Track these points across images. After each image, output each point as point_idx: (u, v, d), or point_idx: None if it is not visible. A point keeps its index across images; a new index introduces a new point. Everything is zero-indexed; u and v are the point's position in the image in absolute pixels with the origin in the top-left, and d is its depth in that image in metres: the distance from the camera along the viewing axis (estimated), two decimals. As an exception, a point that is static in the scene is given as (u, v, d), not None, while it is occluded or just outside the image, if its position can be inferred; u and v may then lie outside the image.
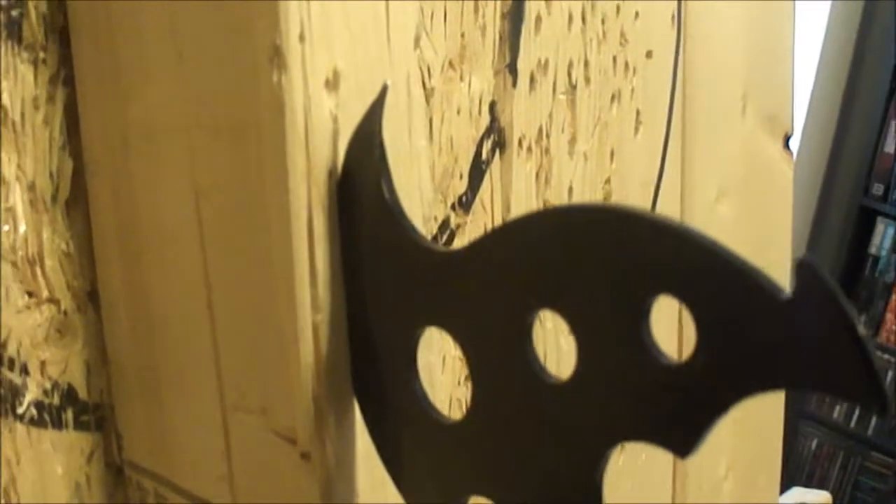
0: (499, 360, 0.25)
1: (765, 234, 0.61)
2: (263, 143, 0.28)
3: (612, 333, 0.22)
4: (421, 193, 0.32)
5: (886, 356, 1.95)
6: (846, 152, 1.97)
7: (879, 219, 1.96)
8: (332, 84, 0.29)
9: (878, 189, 1.94)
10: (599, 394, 0.23)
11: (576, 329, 0.23)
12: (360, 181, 0.28)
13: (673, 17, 0.50)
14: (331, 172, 0.29)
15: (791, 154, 0.64)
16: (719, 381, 0.21)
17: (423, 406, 0.28)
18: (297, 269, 0.29)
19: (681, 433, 0.22)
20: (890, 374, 1.95)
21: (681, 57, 0.53)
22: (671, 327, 0.50)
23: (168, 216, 0.33)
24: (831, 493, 1.85)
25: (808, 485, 0.85)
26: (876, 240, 1.97)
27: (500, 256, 0.25)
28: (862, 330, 0.18)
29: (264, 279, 0.30)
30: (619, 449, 0.48)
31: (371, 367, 0.29)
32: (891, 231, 1.95)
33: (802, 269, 0.19)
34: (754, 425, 0.64)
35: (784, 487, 0.81)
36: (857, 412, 1.99)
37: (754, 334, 0.20)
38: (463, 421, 0.27)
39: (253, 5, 0.27)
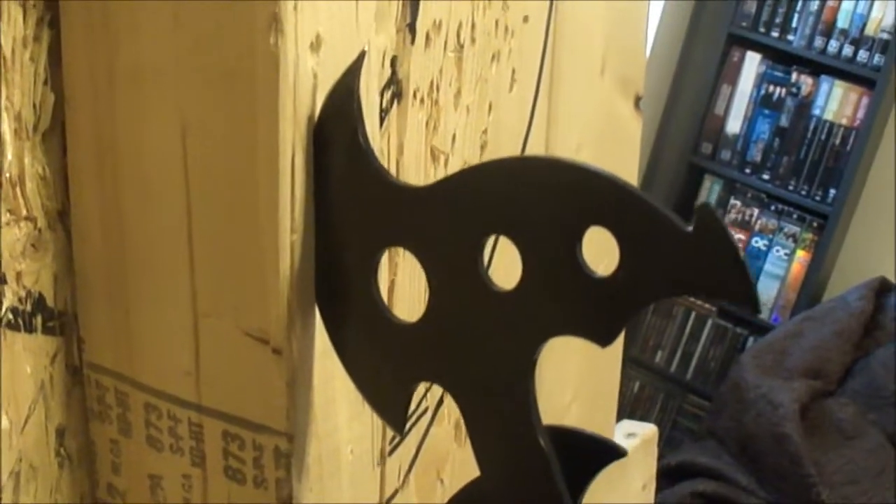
0: (454, 273, 0.32)
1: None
2: (257, 91, 0.34)
3: (552, 254, 0.30)
4: (375, 140, 0.39)
5: (707, 305, 2.09)
6: (679, 112, 2.10)
7: (707, 176, 2.10)
8: (315, 46, 0.35)
9: (706, 148, 2.07)
10: (540, 299, 0.30)
11: (522, 251, 0.30)
12: (336, 127, 0.35)
13: (548, -14, 0.56)
14: (310, 118, 0.35)
15: (640, 113, 0.71)
16: (635, 289, 0.29)
17: (381, 310, 0.35)
18: (281, 197, 0.35)
19: (603, 328, 0.29)
20: (711, 322, 2.09)
21: (552, 23, 0.59)
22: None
23: (152, 146, 0.38)
24: (650, 432, 1.99)
25: None
26: (703, 195, 2.10)
27: (460, 193, 0.32)
28: (742, 255, 0.26)
29: (246, 204, 0.36)
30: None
31: (335, 279, 0.36)
32: (717, 187, 2.09)
33: (702, 210, 0.27)
34: (596, 361, 0.72)
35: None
36: (676, 358, 2.13)
37: (663, 256, 0.28)
38: (418, 322, 0.34)
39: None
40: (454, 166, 0.52)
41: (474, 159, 0.53)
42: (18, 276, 0.41)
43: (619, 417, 0.96)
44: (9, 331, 0.41)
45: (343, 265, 0.36)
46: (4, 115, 0.39)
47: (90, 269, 0.42)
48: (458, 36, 0.51)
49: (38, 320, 0.42)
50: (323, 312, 0.37)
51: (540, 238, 0.30)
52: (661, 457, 1.56)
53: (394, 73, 0.47)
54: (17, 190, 0.40)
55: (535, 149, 0.61)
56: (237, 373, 0.38)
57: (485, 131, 0.55)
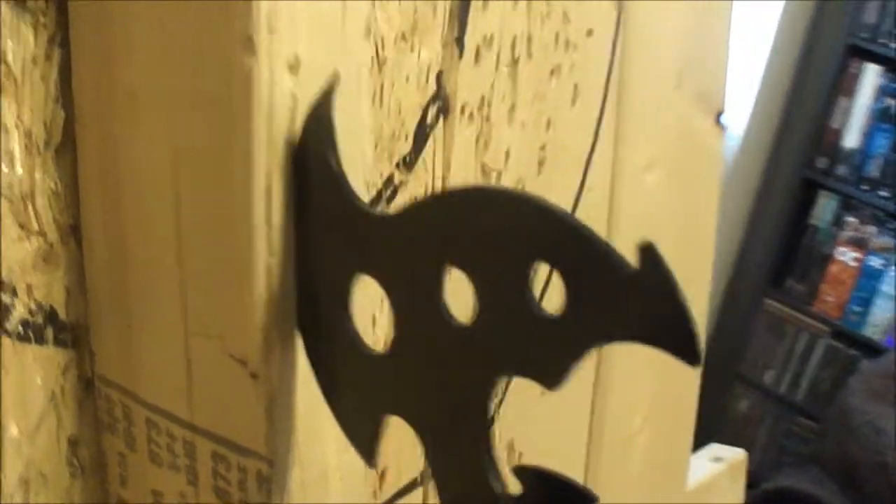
0: (416, 304, 0.31)
1: (692, 204, 0.66)
2: (233, 114, 0.34)
3: (502, 289, 0.28)
4: (364, 161, 0.38)
5: (820, 325, 2.04)
6: (794, 126, 2.04)
7: (822, 192, 2.03)
8: (294, 68, 0.34)
9: (822, 163, 2.01)
10: (491, 336, 0.29)
11: (475, 284, 0.29)
12: (314, 152, 0.34)
13: (614, -2, 0.55)
14: (289, 142, 0.35)
15: (722, 129, 0.68)
16: (581, 331, 0.27)
17: (354, 340, 0.34)
18: (255, 219, 0.34)
19: (550, 370, 0.28)
20: (823, 342, 2.03)
21: (620, 35, 0.57)
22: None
23: (146, 167, 0.38)
24: (758, 453, 1.93)
25: (734, 445, 0.91)
26: (817, 212, 2.04)
27: (420, 223, 0.31)
28: (683, 298, 0.25)
29: (228, 226, 0.36)
30: (505, 385, 0.53)
31: (313, 305, 0.36)
32: (832, 204, 2.03)
33: (644, 250, 0.25)
34: (671, 385, 0.70)
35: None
36: (786, 378, 2.07)
37: (607, 297, 0.26)
38: (385, 354, 0.33)
39: (229, 4, 0.33)
40: (507, 183, 0.51)
41: (531, 177, 0.52)
42: (29, 288, 0.42)
43: (724, 438, 0.93)
44: (19, 342, 0.42)
45: (320, 291, 0.35)
46: (15, 132, 0.40)
47: (98, 283, 0.42)
48: (513, 50, 0.50)
49: (50, 332, 0.43)
50: (304, 338, 0.36)
51: (491, 273, 0.29)
52: (762, 481, 1.51)
53: (440, 88, 0.47)
54: (29, 205, 0.41)
55: (601, 167, 0.59)
56: (224, 394, 0.38)
57: (543, 147, 0.54)
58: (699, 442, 0.84)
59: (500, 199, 0.29)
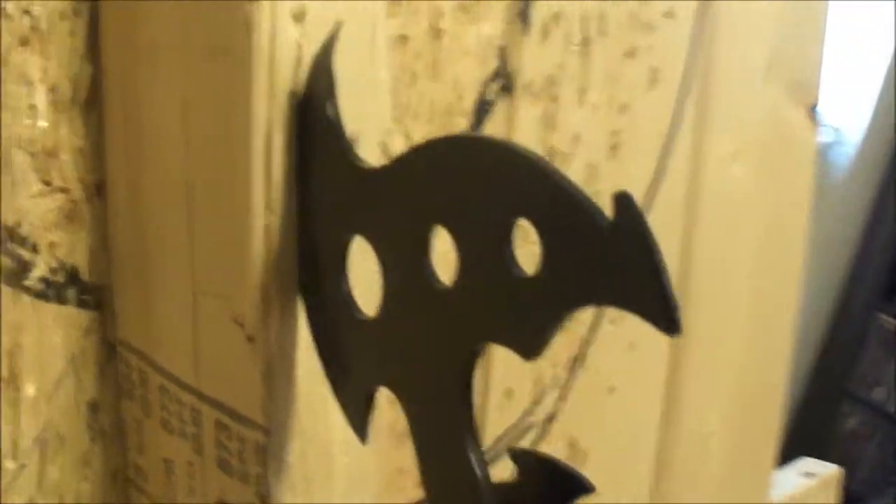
0: (402, 266, 0.29)
1: (781, 198, 0.62)
2: (235, 64, 0.33)
3: (482, 247, 0.26)
4: (380, 121, 0.36)
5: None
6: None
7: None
8: (299, 17, 0.33)
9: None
10: (471, 300, 0.27)
11: (457, 243, 0.27)
12: (316, 103, 0.32)
13: (697, -22, 0.52)
14: (293, 94, 0.33)
15: (815, 122, 0.64)
16: (556, 293, 0.25)
17: (348, 303, 0.32)
18: (253, 175, 0.33)
19: (527, 337, 0.26)
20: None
21: (703, 20, 0.54)
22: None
23: (161, 123, 0.37)
24: (865, 471, 1.84)
25: (842, 463, 0.86)
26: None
27: (407, 176, 0.29)
28: (661, 256, 0.22)
29: (228, 183, 0.34)
30: (553, 379, 0.51)
31: (313, 267, 0.34)
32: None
33: (620, 200, 0.22)
34: (752, 387, 0.66)
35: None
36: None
37: (581, 253, 0.24)
38: (374, 319, 0.31)
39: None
40: (576, 168, 0.49)
41: (603, 161, 0.50)
42: (51, 246, 0.41)
43: (831, 455, 0.88)
44: (38, 300, 0.41)
45: (319, 252, 0.33)
46: (40, 86, 0.40)
47: (120, 243, 0.42)
48: (583, 28, 0.47)
49: (71, 293, 0.42)
50: (304, 303, 0.35)
51: (473, 230, 0.27)
52: (869, 500, 1.43)
53: (502, 63, 0.45)
54: (52, 160, 0.41)
55: (680, 154, 0.56)
56: (226, 359, 0.37)
57: (616, 132, 0.51)
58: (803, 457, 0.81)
59: (484, 149, 0.26)
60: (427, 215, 0.28)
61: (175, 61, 0.36)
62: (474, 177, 0.26)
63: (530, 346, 0.26)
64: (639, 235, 0.22)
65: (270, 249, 0.34)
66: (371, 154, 0.36)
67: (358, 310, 0.32)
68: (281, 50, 0.33)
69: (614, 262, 0.23)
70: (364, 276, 0.33)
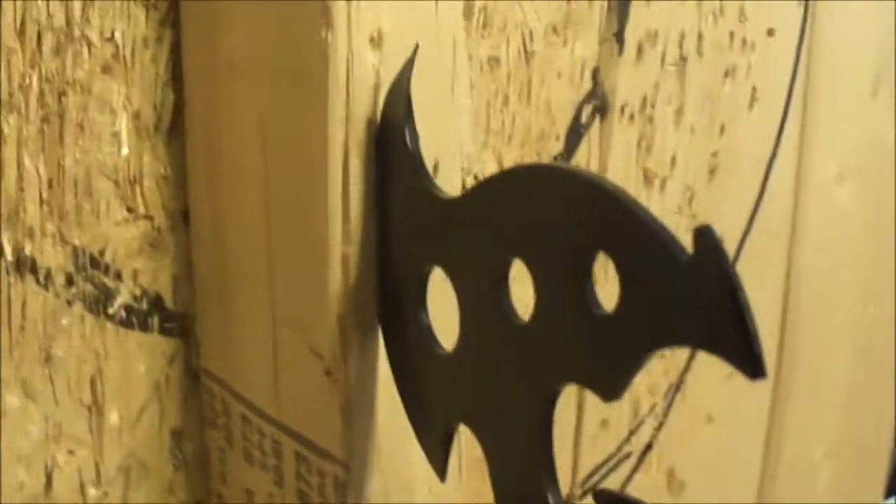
0: (480, 300, 0.28)
1: (888, 220, 0.60)
2: (311, 90, 0.32)
3: (560, 283, 0.25)
4: (461, 147, 0.35)
5: None
6: None
7: None
8: (377, 42, 0.32)
9: None
10: (548, 337, 0.26)
11: (535, 277, 0.26)
12: (394, 131, 0.32)
13: (799, -4, 0.50)
14: (370, 121, 0.32)
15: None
16: (635, 333, 0.23)
17: (427, 337, 0.31)
18: (330, 204, 0.32)
19: (608, 380, 0.24)
20: None
21: (806, 36, 0.52)
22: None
23: (240, 150, 0.37)
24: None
25: None
26: None
27: (484, 206, 0.27)
28: (742, 293, 0.20)
29: (307, 211, 0.33)
30: (651, 407, 0.49)
31: (392, 298, 0.33)
32: None
33: (700, 234, 0.21)
34: (863, 413, 0.63)
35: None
36: None
37: (662, 293, 0.22)
38: (451, 354, 0.30)
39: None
40: (673, 191, 0.47)
41: (701, 185, 0.48)
42: (134, 274, 0.41)
43: None
44: (122, 328, 0.41)
45: (398, 284, 0.32)
46: (123, 113, 0.40)
47: (204, 271, 0.41)
48: (681, 48, 0.46)
49: (155, 320, 0.42)
50: (384, 336, 0.34)
51: (551, 263, 0.25)
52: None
53: (596, 85, 0.44)
54: (136, 188, 0.40)
55: (782, 176, 0.54)
56: (305, 391, 0.36)
57: (715, 154, 0.50)
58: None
59: (561, 179, 0.25)
60: (504, 247, 0.27)
61: (253, 86, 0.36)
62: (552, 208, 0.25)
63: (610, 388, 0.24)
64: (718, 272, 0.21)
65: (348, 280, 0.33)
66: (453, 181, 0.35)
67: (437, 343, 0.31)
68: (358, 76, 0.32)
69: (693, 300, 0.21)
70: (444, 308, 0.32)
